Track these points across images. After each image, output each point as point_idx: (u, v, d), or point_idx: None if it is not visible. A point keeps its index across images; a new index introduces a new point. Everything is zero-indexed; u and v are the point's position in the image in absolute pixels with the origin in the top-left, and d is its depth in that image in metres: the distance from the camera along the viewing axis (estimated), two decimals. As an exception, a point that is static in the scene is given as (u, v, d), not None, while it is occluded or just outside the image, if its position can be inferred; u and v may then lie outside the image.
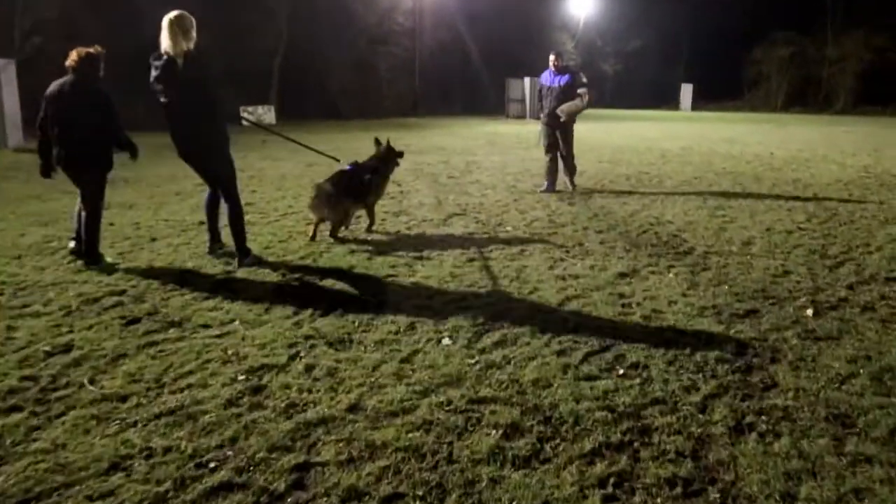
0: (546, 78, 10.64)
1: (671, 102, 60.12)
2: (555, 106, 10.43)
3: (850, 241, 7.35)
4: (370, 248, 6.93)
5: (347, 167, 7.54)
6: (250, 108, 31.57)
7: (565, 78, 10.39)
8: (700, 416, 3.35)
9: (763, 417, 3.33)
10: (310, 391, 3.61)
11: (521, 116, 38.24)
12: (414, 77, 43.58)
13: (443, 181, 12.01)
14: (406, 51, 43.35)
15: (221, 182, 6.38)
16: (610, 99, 60.49)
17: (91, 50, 6.04)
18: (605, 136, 24.23)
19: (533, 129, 28.16)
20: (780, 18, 57.30)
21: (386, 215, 8.60)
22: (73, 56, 5.97)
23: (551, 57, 10.55)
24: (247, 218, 8.45)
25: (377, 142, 7.97)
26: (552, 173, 10.82)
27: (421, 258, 6.47)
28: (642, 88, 63.01)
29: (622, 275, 5.91)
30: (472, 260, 6.41)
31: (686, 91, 58.85)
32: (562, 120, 10.45)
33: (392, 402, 3.45)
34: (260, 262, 6.37)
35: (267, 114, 32.27)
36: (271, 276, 5.85)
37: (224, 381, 3.73)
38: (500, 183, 11.77)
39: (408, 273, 5.97)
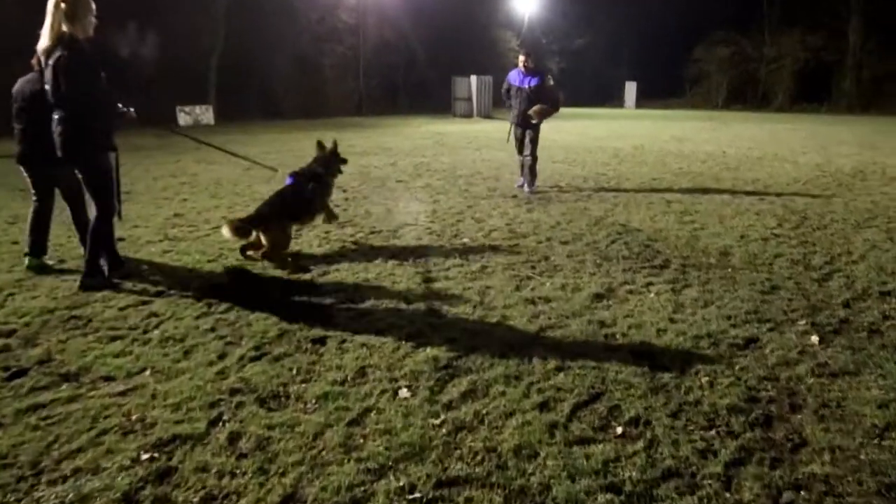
0: (515, 78, 10.31)
1: (615, 100, 60.48)
2: (525, 108, 10.12)
3: (829, 248, 6.87)
4: (312, 266, 6.12)
5: (287, 180, 6.71)
6: (187, 109, 30.23)
7: (535, 80, 10.12)
8: (727, 494, 2.68)
9: (803, 494, 2.68)
10: (233, 474, 2.82)
11: (468, 115, 37.65)
12: (358, 76, 42.57)
13: (391, 186, 11.23)
14: (350, 49, 42.27)
15: (94, 190, 5.34)
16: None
17: None
18: (555, 134, 23.72)
19: (479, 129, 27.96)
20: (719, 17, 57.98)
21: (329, 227, 7.80)
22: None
23: (521, 57, 10.22)
24: (174, 231, 7.59)
25: (320, 145, 7.16)
26: (528, 169, 10.62)
27: (369, 280, 5.70)
28: (587, 86, 63.17)
29: (598, 296, 5.25)
30: (428, 280, 5.67)
31: (630, 89, 59.27)
32: (533, 122, 10.18)
33: (338, 489, 2.69)
34: (107, 286, 5.42)
35: (205, 114, 30.93)
36: (194, 308, 5.00)
37: (123, 461, 2.91)
38: (451, 187, 11.06)
39: (354, 298, 5.20)
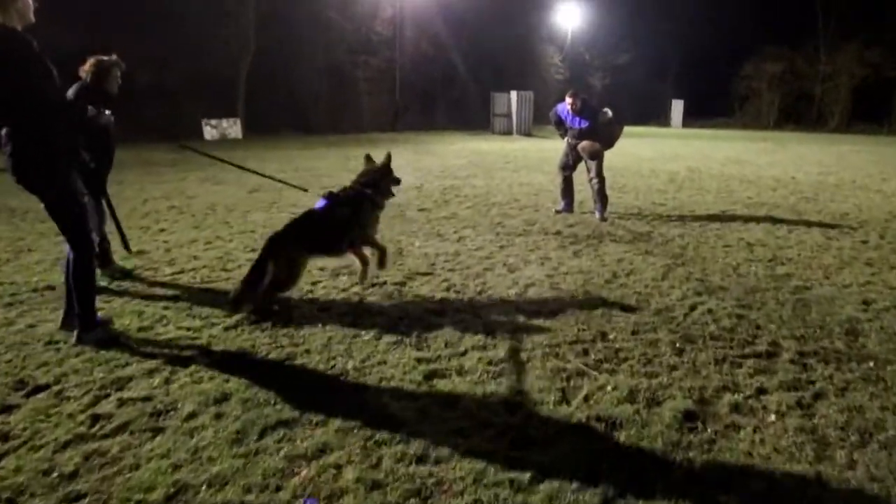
0: (564, 113, 9.62)
1: (660, 118, 58.26)
2: (577, 143, 9.54)
3: None
4: (283, 340, 4.42)
5: (320, 202, 5.25)
6: (213, 122, 29.05)
7: (586, 122, 9.35)
8: None
9: None
10: None
11: (508, 132, 35.93)
12: (394, 90, 41.18)
13: (411, 215, 9.53)
14: (386, 62, 40.93)
15: (58, 219, 4.22)
16: (598, 114, 58.30)
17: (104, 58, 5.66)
18: (600, 155, 21.88)
19: (518, 148, 26.07)
20: (769, 33, 55.52)
21: (321, 274, 6.10)
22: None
23: (568, 99, 9.40)
24: (122, 280, 5.99)
25: (368, 159, 5.73)
26: (568, 193, 10.02)
27: (343, 376, 3.96)
28: (630, 103, 60.95)
29: (689, 416, 3.44)
30: (432, 376, 3.92)
31: (677, 107, 57.07)
32: (585, 157, 9.55)
33: None
34: (110, 341, 4.32)
35: (232, 127, 29.72)
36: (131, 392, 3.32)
37: None
38: (482, 219, 9.31)
39: (314, 403, 3.47)
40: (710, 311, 5.15)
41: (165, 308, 5.11)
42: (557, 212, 9.91)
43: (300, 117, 34.37)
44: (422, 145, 25.78)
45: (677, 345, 4.42)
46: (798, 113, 57.69)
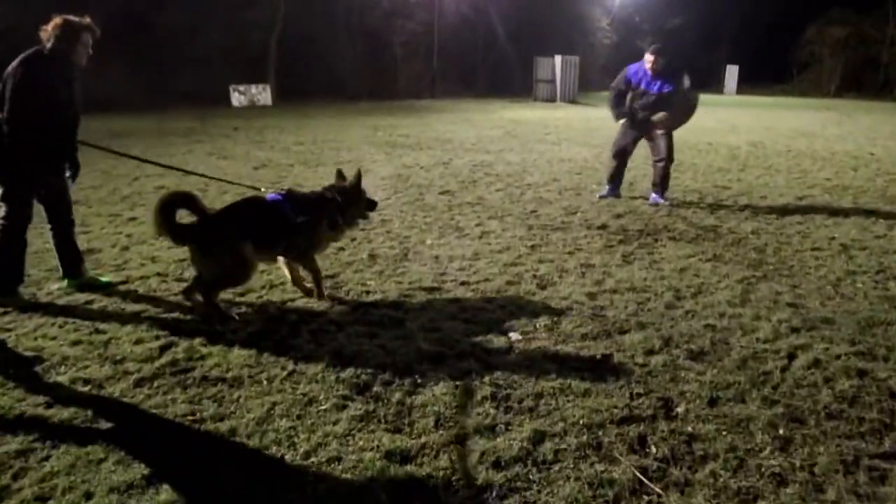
0: (638, 76, 7.98)
1: (713, 85, 55.33)
2: (650, 114, 7.93)
3: None
4: (208, 406, 3.11)
5: (270, 196, 4.32)
6: (242, 88, 27.83)
7: (668, 85, 7.80)
8: None
9: None
10: None
11: (551, 99, 33.99)
12: (432, 55, 39.39)
13: (430, 201, 8.13)
14: (423, 25, 39.07)
15: None
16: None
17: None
18: (650, 125, 20.08)
19: (561, 116, 24.22)
20: (834, -2, 52.01)
21: (286, 284, 4.76)
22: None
23: (649, 56, 7.83)
24: (59, 286, 4.73)
25: (339, 175, 4.82)
26: (617, 177, 8.56)
27: (298, 461, 2.64)
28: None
29: None
30: (406, 486, 2.56)
31: (731, 73, 54.04)
32: (659, 132, 8.04)
33: None
34: None
35: (262, 94, 28.49)
36: None
37: None
38: (513, 206, 7.87)
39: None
40: (816, 361, 3.66)
41: (75, 343, 3.82)
42: (602, 197, 8.47)
43: (334, 84, 32.94)
44: (458, 113, 24.20)
45: (780, 430, 2.97)
46: (861, 81, 54.16)
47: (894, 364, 3.67)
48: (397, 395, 3.19)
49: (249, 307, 4.40)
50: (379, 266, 5.37)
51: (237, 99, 27.38)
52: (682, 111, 7.96)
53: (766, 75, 55.46)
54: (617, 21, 55.30)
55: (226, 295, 4.40)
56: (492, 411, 3.06)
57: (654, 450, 2.81)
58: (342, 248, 5.83)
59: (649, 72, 7.81)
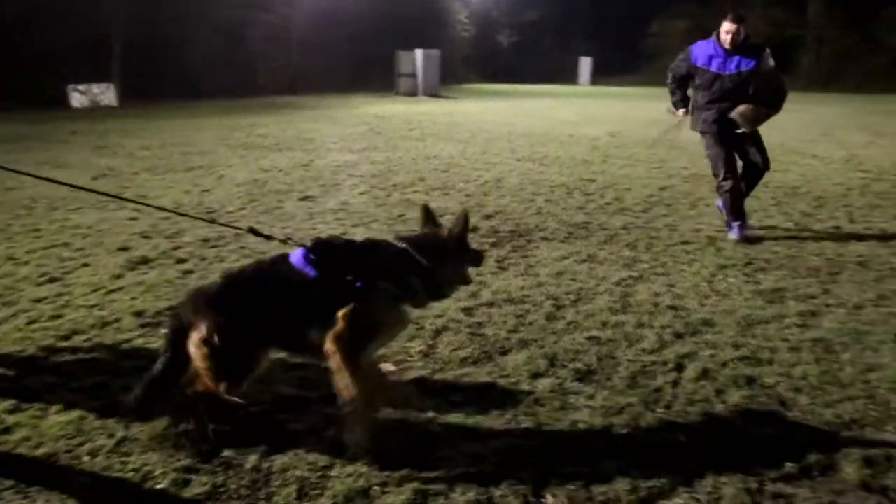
0: (706, 57, 6.15)
1: (568, 76, 57.22)
2: (728, 107, 6.08)
3: None
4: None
5: (297, 255, 2.78)
6: (82, 87, 25.65)
7: (750, 62, 5.97)
8: None
9: None
10: None
11: (413, 93, 33.74)
12: (291, 49, 38.11)
13: (289, 209, 7.54)
14: (282, 19, 37.73)
15: None
16: (505, 73, 56.68)
17: None
18: (514, 117, 20.21)
19: (424, 111, 23.93)
20: (678, -9, 55.25)
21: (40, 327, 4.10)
22: None
23: (726, 24, 5.94)
24: None
25: (427, 213, 3.05)
26: (740, 206, 6.30)
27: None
28: (540, 62, 59.70)
29: None
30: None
31: (585, 65, 56.19)
32: (742, 131, 6.13)
33: None
34: None
35: (105, 93, 26.40)
36: None
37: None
38: (379, 212, 7.43)
39: None
40: (705, 371, 3.48)
41: None
42: (741, 240, 6.15)
43: (187, 81, 31.07)
44: (321, 110, 23.43)
45: (682, 461, 2.72)
46: (703, 69, 57.85)
47: (779, 367, 3.55)
48: (252, 460, 2.67)
49: (74, 353, 3.72)
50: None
51: (77, 99, 25.22)
52: (771, 98, 6.10)
53: (618, 66, 58.01)
54: (475, 15, 55.93)
55: (33, 334, 3.71)
56: (364, 469, 2.61)
57: (550, 500, 2.47)
58: (190, 271, 5.19)
59: (725, 46, 5.99)
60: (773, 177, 7.08)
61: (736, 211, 6.25)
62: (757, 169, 6.29)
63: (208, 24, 32.94)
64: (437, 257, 2.79)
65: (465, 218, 2.89)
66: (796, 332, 4.02)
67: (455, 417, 3.01)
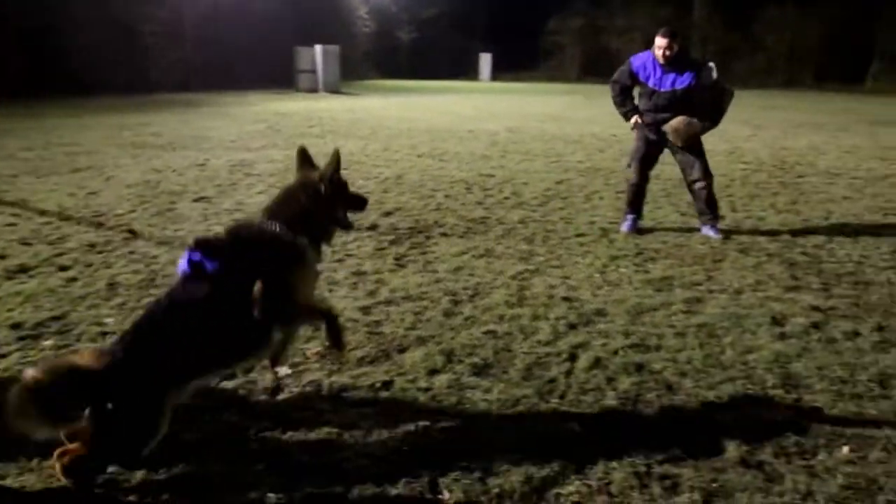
0: (645, 72, 6.17)
1: (469, 72, 57.82)
2: (664, 119, 6.15)
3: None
4: None
5: (183, 262, 2.58)
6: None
7: (685, 79, 6.00)
8: None
9: None
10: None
11: (313, 90, 33.27)
12: (186, 44, 36.77)
13: (183, 210, 7.27)
14: (175, 13, 36.35)
15: None
16: (406, 69, 56.71)
17: None
18: (415, 113, 20.24)
19: (325, 107, 23.64)
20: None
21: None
22: None
23: (661, 40, 5.95)
24: None
25: (303, 156, 2.99)
26: (636, 203, 6.53)
27: None
28: (441, 58, 60.02)
29: None
30: None
31: (485, 61, 57.05)
32: (676, 144, 6.25)
33: None
34: None
35: (-20, 90, 24.69)
36: None
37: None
38: (277, 210, 7.27)
39: None
40: (597, 360, 3.59)
41: None
42: (629, 232, 6.43)
43: (73, 78, 29.44)
44: (217, 107, 22.75)
45: (573, 449, 2.80)
46: (598, 66, 59.66)
47: (666, 353, 3.71)
48: (138, 476, 2.56)
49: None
50: (120, 297, 4.56)
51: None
52: (705, 116, 6.13)
53: (517, 62, 59.09)
54: (374, 10, 55.62)
55: None
56: (260, 474, 2.55)
57: (447, 495, 2.49)
58: (74, 279, 4.92)
59: (660, 61, 6.04)
60: (662, 170, 7.36)
61: (630, 204, 6.51)
62: (697, 180, 6.31)
63: (93, 17, 31.36)
64: (317, 205, 2.80)
65: (336, 157, 2.86)
66: (682, 319, 4.20)
67: (351, 417, 2.98)
